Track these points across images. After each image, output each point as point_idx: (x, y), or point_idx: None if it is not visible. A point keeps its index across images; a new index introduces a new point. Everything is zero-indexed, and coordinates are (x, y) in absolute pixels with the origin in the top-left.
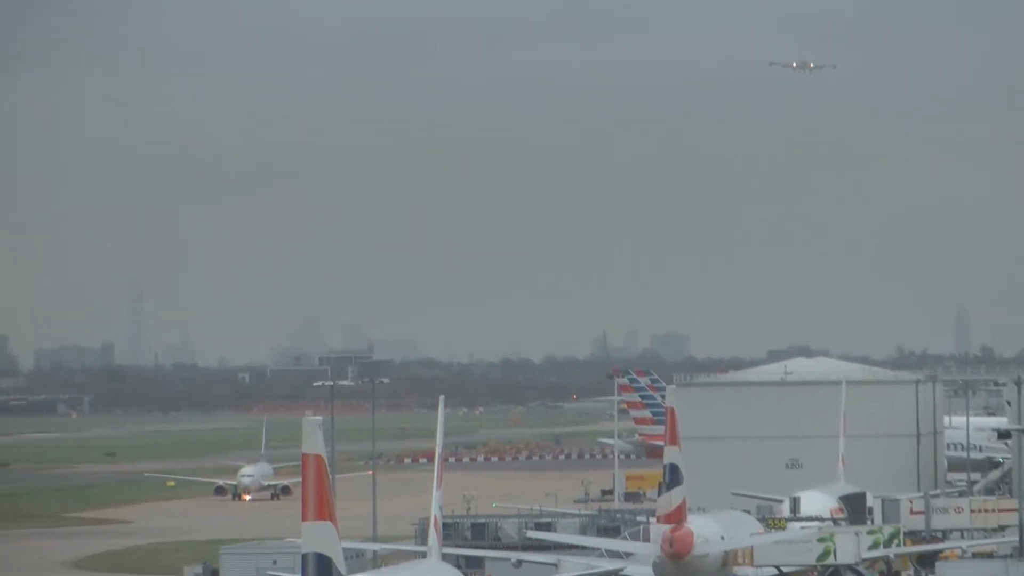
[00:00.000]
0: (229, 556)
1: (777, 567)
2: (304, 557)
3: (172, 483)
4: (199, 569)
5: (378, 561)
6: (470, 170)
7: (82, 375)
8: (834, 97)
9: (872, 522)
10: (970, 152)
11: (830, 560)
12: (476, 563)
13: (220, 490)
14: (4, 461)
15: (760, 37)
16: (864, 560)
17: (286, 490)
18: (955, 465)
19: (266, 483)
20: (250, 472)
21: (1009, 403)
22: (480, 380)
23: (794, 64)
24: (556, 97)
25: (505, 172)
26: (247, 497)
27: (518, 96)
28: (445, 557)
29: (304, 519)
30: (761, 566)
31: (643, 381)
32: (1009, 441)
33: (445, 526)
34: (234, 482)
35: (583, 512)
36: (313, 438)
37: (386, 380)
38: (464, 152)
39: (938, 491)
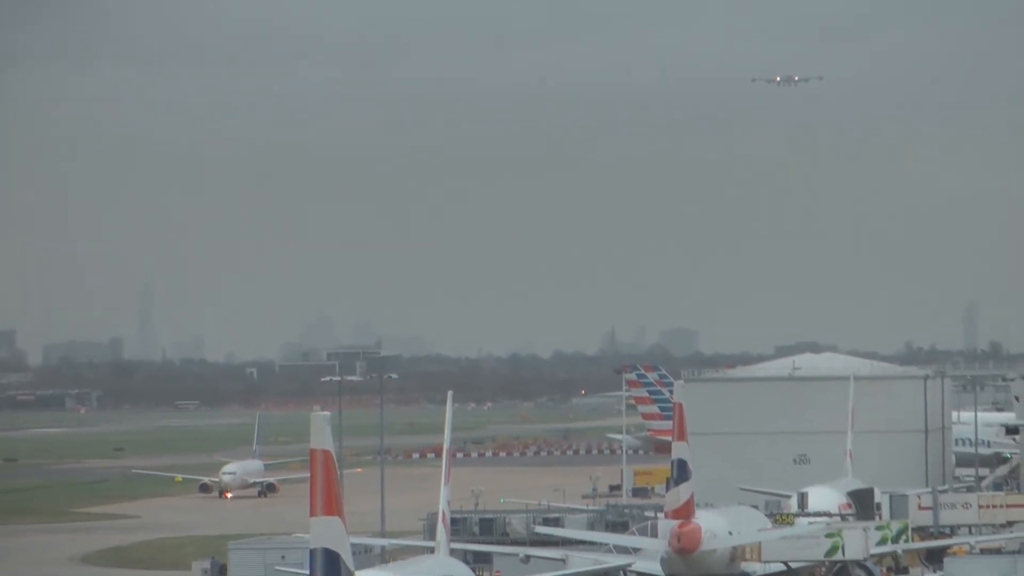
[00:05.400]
0: (238, 551)
1: (785, 563)
2: (312, 552)
3: (180, 479)
4: (207, 564)
5: (386, 556)
6: (479, 167)
7: (91, 370)
8: (839, 92)
9: (880, 518)
10: (978, 147)
11: (838, 556)
12: (484, 558)
13: (205, 487)
14: (12, 456)
15: (761, 35)
16: (872, 556)
17: (272, 487)
18: (963, 461)
19: (252, 480)
20: (232, 470)
21: (1017, 398)
22: (488, 375)
23: (778, 79)
24: (562, 94)
25: (513, 168)
26: (228, 495)
27: (524, 94)
28: (453, 552)
29: (312, 514)
30: (769, 562)
31: (651, 376)
32: (1017, 436)
33: (453, 521)
34: (218, 479)
35: (591, 508)
36: (321, 433)
37: (395, 375)
38: (472, 149)
39: (946, 487)
